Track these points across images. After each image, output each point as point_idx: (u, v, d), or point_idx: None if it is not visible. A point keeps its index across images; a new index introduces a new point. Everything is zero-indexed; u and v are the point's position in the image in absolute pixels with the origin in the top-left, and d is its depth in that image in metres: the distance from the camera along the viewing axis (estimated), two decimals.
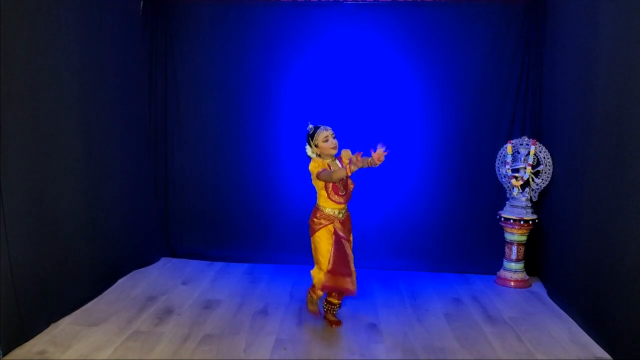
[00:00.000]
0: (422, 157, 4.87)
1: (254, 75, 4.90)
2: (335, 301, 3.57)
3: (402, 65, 4.81)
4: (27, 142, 3.13)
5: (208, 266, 4.80)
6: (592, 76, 3.61)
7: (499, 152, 4.66)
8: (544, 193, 4.49)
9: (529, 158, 4.45)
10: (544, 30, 4.58)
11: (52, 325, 3.35)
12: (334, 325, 3.52)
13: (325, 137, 3.37)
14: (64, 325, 3.38)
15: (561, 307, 3.96)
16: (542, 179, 4.44)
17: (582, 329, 3.56)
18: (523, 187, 4.51)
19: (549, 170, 4.40)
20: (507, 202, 4.59)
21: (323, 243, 3.41)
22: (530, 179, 4.49)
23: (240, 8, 4.86)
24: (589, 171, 3.63)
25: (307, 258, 4.79)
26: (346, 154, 3.39)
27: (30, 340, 3.12)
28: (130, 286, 4.18)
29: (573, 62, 3.97)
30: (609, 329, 3.23)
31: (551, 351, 3.24)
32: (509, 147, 4.56)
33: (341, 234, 3.42)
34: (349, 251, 3.45)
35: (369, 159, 3.16)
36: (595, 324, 3.43)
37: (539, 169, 4.45)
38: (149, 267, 4.71)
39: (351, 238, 3.56)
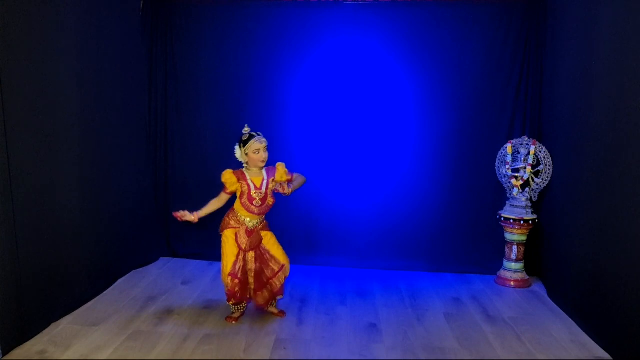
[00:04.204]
0: (422, 157, 4.86)
1: (255, 75, 4.90)
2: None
3: (403, 65, 4.80)
4: (28, 143, 3.13)
5: (208, 266, 4.80)
6: (592, 76, 3.61)
7: (499, 152, 4.66)
8: (544, 193, 4.50)
9: (529, 158, 4.45)
10: (544, 30, 4.58)
11: (52, 325, 3.35)
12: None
13: (257, 150, 3.43)
14: (64, 325, 3.38)
15: (561, 307, 3.96)
16: (542, 179, 4.44)
17: (582, 329, 3.57)
18: (523, 187, 4.51)
19: (549, 170, 4.40)
20: (507, 202, 4.59)
21: (228, 244, 3.49)
22: (530, 179, 4.49)
23: (240, 8, 4.85)
24: (588, 171, 3.63)
25: (307, 258, 4.83)
26: (281, 167, 3.52)
27: (30, 340, 3.12)
28: (130, 286, 4.18)
29: (573, 62, 3.97)
30: (609, 329, 3.22)
31: (551, 351, 3.25)
32: (509, 147, 4.56)
33: (241, 244, 3.48)
34: (251, 265, 3.51)
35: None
36: (595, 324, 3.43)
37: (539, 169, 4.46)
38: (149, 267, 4.71)
39: (260, 252, 3.56)
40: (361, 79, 4.82)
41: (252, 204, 3.47)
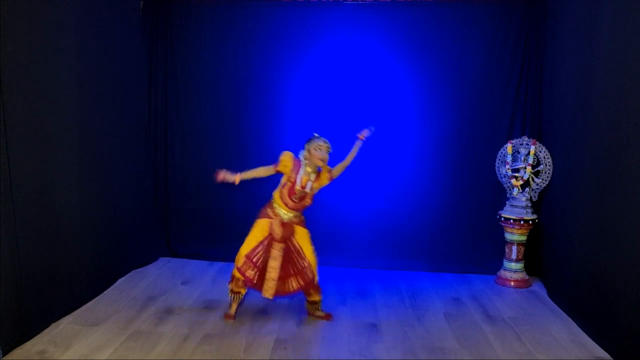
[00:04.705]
0: (422, 157, 4.86)
1: (255, 75, 4.91)
2: (314, 299, 3.65)
3: (403, 65, 4.81)
4: (28, 143, 3.13)
5: (208, 266, 4.80)
6: (592, 76, 3.61)
7: (499, 152, 4.66)
8: (544, 193, 4.50)
9: (529, 158, 4.45)
10: (544, 30, 4.58)
11: (52, 325, 3.34)
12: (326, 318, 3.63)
13: (319, 147, 3.47)
14: (64, 325, 3.38)
15: (561, 307, 3.96)
16: (542, 179, 4.44)
17: (582, 329, 3.57)
18: (523, 187, 4.51)
19: (549, 170, 4.40)
20: (507, 202, 4.59)
21: (256, 230, 3.54)
22: (530, 179, 4.49)
23: (240, 8, 4.86)
24: (588, 171, 3.63)
25: None
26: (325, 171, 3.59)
27: (30, 340, 3.12)
28: (130, 286, 4.18)
29: (573, 62, 3.97)
30: (609, 329, 3.23)
31: (551, 351, 3.25)
32: (509, 147, 4.57)
33: (273, 233, 3.51)
34: (278, 256, 3.52)
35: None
36: (595, 324, 3.43)
37: (539, 169, 4.46)
38: (149, 266, 4.71)
39: (290, 245, 3.56)
40: (361, 79, 4.82)
41: (290, 198, 3.50)
